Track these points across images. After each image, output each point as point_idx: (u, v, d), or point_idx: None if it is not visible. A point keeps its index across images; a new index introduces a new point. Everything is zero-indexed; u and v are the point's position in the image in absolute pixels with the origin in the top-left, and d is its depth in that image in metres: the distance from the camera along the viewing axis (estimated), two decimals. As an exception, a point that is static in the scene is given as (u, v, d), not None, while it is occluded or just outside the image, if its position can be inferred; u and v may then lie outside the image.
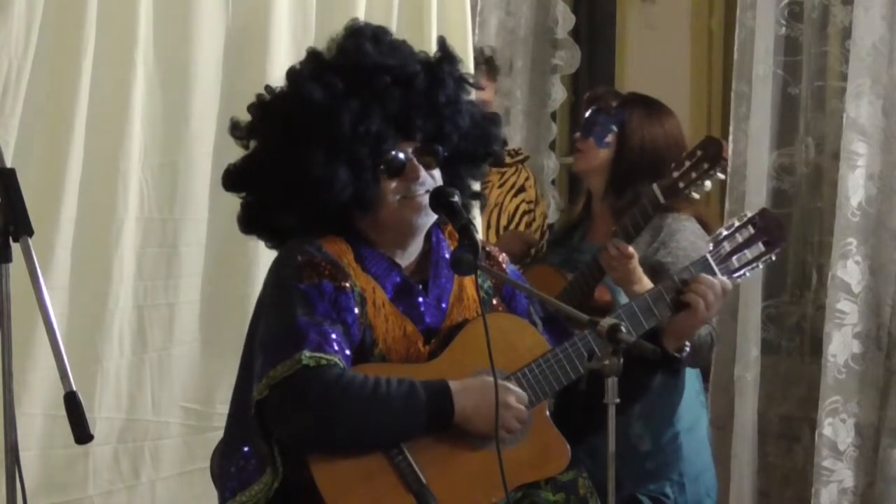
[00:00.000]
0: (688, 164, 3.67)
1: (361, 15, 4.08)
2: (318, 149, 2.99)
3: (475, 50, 4.40)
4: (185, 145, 3.98)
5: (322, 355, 2.89)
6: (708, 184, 3.69)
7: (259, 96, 3.15)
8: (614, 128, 3.87)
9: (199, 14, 3.99)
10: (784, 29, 4.76)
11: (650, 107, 3.94)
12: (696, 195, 3.70)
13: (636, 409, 3.70)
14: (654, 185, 3.67)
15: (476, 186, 3.30)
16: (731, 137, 4.77)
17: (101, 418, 3.81)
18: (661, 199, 3.67)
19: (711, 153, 3.66)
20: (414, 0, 4.30)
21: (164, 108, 3.95)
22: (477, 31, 5.36)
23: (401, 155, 3.05)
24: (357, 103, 3.01)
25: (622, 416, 2.78)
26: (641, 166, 3.79)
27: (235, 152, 3.19)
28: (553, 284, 3.83)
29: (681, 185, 3.66)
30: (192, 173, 3.99)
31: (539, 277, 3.85)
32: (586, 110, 3.96)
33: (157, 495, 3.98)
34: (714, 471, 3.96)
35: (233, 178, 3.15)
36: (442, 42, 3.20)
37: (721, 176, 3.72)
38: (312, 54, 3.14)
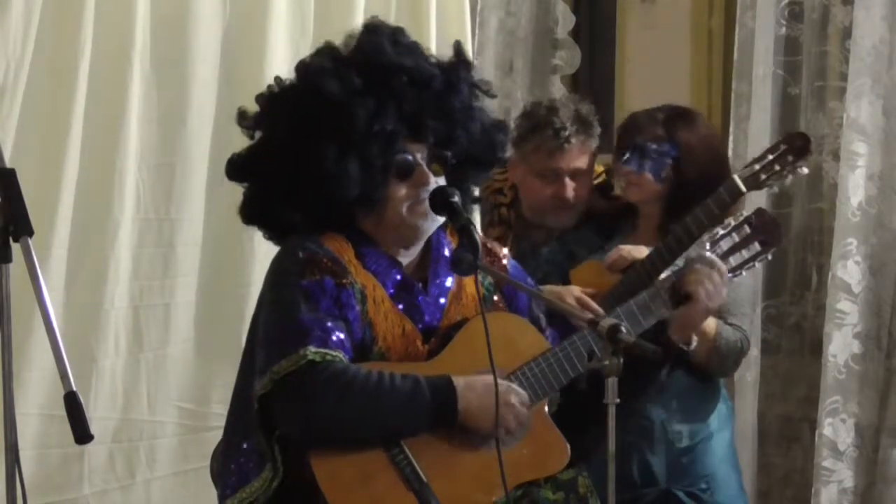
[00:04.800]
0: (770, 157, 3.65)
1: (359, 15, 4.08)
2: (331, 144, 2.97)
3: (565, 103, 4.00)
4: (181, 145, 3.98)
5: (327, 351, 2.90)
6: (790, 178, 3.69)
7: (269, 87, 3.13)
8: (670, 161, 3.82)
9: (196, 15, 3.99)
10: (784, 29, 4.76)
11: (692, 123, 3.88)
12: (775, 188, 3.70)
13: (673, 405, 3.70)
14: (735, 176, 3.65)
15: (476, 191, 3.30)
16: (731, 137, 4.77)
17: (96, 418, 3.78)
18: (744, 189, 3.64)
19: (798, 147, 3.65)
20: (413, 0, 4.30)
21: (161, 108, 3.95)
22: (477, 31, 5.35)
23: (410, 158, 3.04)
24: (373, 101, 2.99)
25: (623, 411, 2.77)
26: (700, 191, 3.75)
27: (232, 153, 3.16)
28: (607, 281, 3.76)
29: (763, 176, 3.64)
30: (188, 173, 3.99)
31: (593, 274, 3.80)
32: (628, 137, 3.87)
33: (152, 495, 3.98)
34: (739, 475, 3.92)
35: (237, 167, 3.12)
36: (458, 47, 3.18)
37: (805, 171, 3.70)
38: (328, 48, 3.11)
